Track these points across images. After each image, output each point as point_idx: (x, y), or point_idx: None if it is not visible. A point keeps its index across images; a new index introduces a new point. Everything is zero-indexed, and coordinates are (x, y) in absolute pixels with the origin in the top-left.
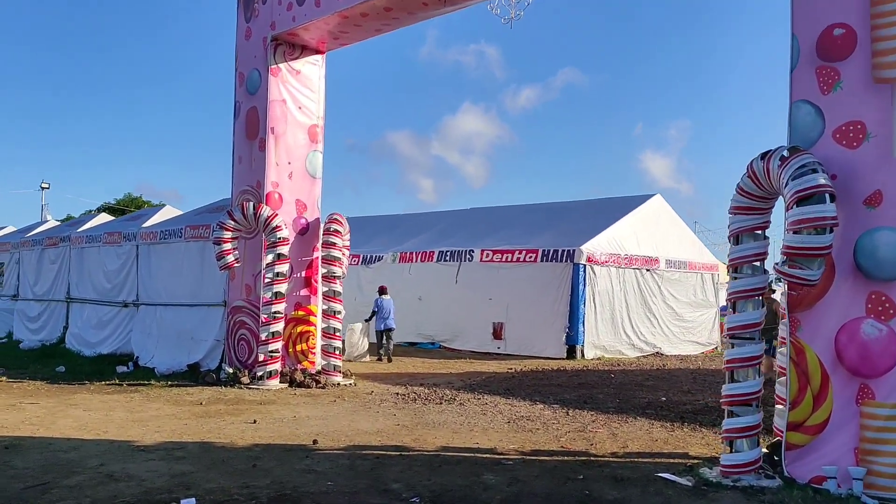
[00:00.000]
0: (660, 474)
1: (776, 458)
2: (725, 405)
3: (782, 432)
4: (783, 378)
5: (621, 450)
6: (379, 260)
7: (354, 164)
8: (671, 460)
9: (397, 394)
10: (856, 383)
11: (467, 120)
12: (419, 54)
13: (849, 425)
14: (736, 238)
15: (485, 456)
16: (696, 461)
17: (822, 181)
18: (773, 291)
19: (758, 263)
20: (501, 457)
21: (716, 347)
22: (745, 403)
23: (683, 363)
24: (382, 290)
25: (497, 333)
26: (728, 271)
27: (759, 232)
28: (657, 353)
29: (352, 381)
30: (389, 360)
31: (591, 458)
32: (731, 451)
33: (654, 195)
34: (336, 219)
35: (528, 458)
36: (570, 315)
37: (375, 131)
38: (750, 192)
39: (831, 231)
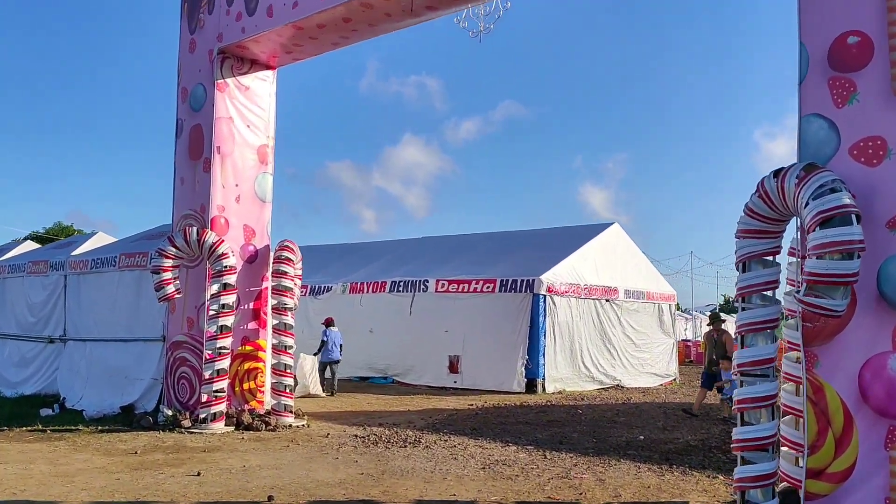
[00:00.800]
0: None
1: None
2: (737, 450)
3: (800, 481)
4: (788, 417)
5: (615, 500)
6: (328, 290)
7: (296, 194)
8: None
9: (356, 436)
10: (884, 425)
11: (409, 151)
12: (359, 85)
13: (878, 472)
14: (744, 265)
15: None
16: None
17: (847, 201)
18: (723, 321)
19: (769, 292)
20: None
21: (674, 379)
22: (759, 448)
23: (647, 396)
24: (329, 322)
25: (453, 367)
26: (736, 301)
27: (770, 258)
28: (617, 385)
29: (304, 422)
30: (332, 394)
31: None
32: (743, 503)
33: (611, 224)
34: (287, 246)
35: None
36: (530, 347)
37: (316, 161)
38: (761, 214)
39: (858, 256)
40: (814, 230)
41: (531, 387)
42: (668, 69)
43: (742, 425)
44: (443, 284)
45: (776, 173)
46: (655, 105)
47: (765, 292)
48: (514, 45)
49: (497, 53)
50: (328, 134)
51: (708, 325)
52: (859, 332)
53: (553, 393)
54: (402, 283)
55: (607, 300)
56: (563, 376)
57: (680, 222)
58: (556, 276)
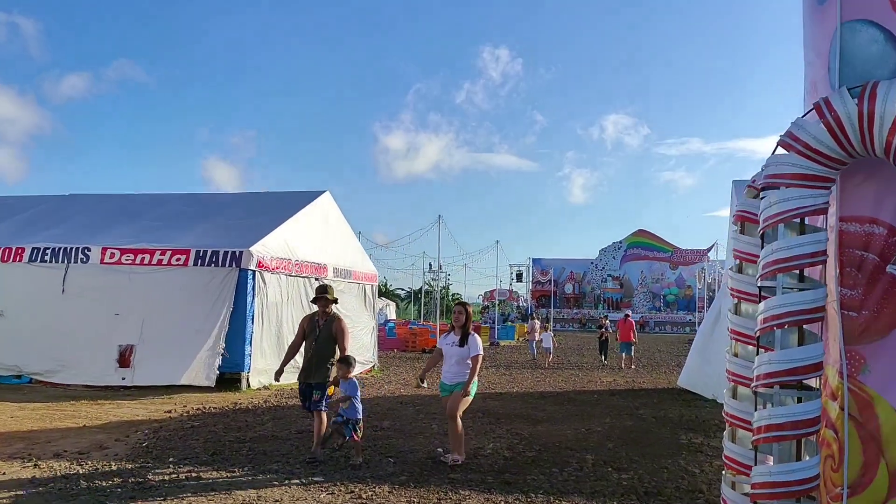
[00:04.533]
0: None
1: None
2: (763, 499)
3: None
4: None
5: None
6: None
7: None
8: None
9: (33, 481)
10: None
11: None
12: None
13: None
14: (771, 230)
15: None
16: None
17: None
18: (334, 300)
19: (810, 269)
20: None
21: (373, 366)
22: (804, 494)
23: (369, 389)
24: None
25: (125, 360)
26: (760, 280)
27: (813, 219)
28: None
29: None
30: None
31: None
32: None
33: (323, 192)
34: None
35: None
36: (233, 334)
37: None
38: (821, 152)
39: None
40: None
41: (229, 382)
42: (300, 50)
43: (778, 463)
44: (112, 254)
45: (853, 90)
46: (285, 86)
47: (804, 269)
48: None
49: (111, 4)
50: None
51: (313, 301)
52: None
53: (259, 389)
54: (49, 251)
55: (316, 279)
56: (269, 367)
57: None
58: (266, 248)
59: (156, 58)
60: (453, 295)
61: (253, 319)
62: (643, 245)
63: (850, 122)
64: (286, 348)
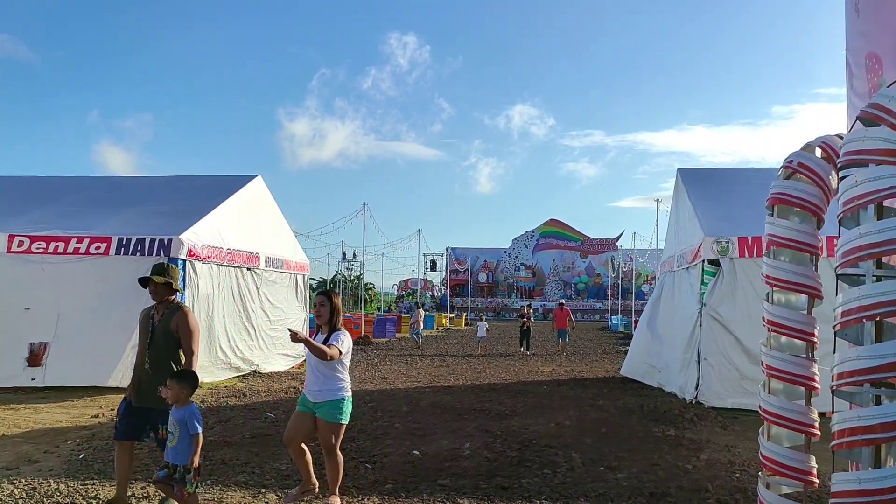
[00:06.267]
0: None
1: None
2: None
3: None
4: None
5: None
6: None
7: None
8: None
9: None
10: None
11: None
12: None
13: None
14: (854, 213)
15: None
16: None
17: None
18: (170, 287)
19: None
20: None
21: (305, 360)
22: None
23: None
24: None
25: (35, 359)
26: (838, 268)
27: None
28: (255, 371)
29: None
30: None
31: None
32: None
33: (255, 177)
34: None
35: None
36: None
37: None
38: None
39: None
40: None
41: None
42: (199, 30)
43: (872, 467)
44: (21, 242)
45: None
46: (183, 69)
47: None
48: None
49: None
50: None
51: (141, 284)
52: None
53: None
54: None
55: (248, 268)
56: (199, 364)
57: None
58: (197, 236)
59: (41, 35)
60: (367, 285)
61: None
62: (555, 234)
63: None
64: (218, 343)
